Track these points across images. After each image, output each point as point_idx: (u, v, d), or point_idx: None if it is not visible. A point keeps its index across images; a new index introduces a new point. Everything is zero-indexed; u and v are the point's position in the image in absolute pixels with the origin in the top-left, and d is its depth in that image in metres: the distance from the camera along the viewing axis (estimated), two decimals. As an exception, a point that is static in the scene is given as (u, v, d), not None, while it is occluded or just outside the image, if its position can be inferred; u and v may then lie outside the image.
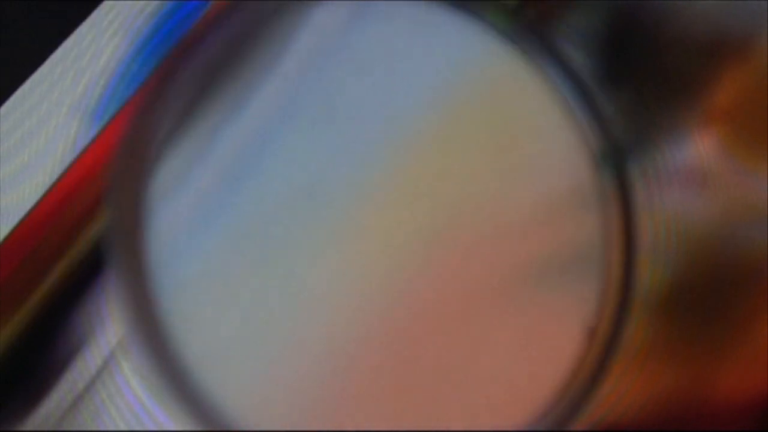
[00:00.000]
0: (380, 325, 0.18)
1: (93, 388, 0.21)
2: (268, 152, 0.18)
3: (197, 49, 0.18)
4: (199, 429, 0.18)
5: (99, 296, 0.21)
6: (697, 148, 0.21)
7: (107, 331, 0.20)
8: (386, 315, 0.18)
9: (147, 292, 0.18)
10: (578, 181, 0.19)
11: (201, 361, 0.18)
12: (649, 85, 0.21)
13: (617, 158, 0.19)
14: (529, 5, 0.21)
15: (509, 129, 0.19)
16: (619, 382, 0.21)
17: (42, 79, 0.22)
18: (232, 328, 0.18)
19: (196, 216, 0.18)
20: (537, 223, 0.19)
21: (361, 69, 0.19)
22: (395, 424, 0.18)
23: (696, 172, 0.21)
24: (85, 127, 0.21)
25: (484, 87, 0.19)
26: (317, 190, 0.18)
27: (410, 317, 0.18)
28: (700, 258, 0.21)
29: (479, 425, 0.18)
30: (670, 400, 0.21)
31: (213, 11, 0.18)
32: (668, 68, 0.21)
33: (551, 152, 0.19)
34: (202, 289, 0.18)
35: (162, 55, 0.18)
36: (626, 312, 0.18)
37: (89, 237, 0.21)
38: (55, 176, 0.21)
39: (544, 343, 0.18)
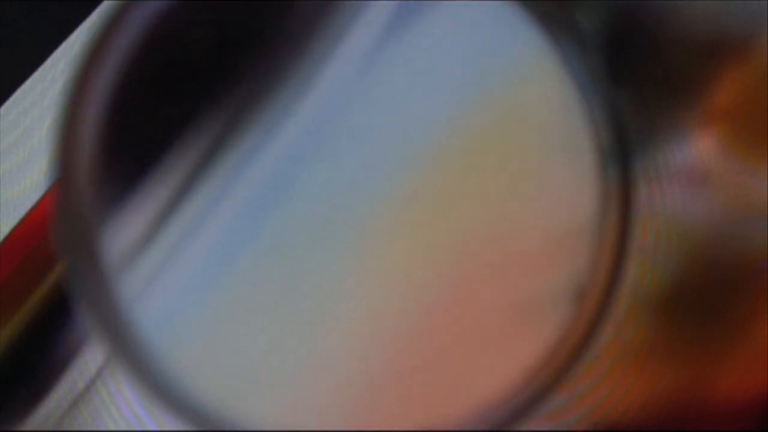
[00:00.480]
0: (395, 344, 0.18)
1: (93, 388, 0.21)
2: (292, 179, 0.19)
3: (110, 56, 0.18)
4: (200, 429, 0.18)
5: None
6: (698, 148, 0.21)
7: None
8: (402, 337, 0.18)
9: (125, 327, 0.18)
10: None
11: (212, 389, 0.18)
12: (649, 85, 0.21)
13: (625, 158, 0.19)
14: (529, 5, 0.21)
15: (532, 148, 0.19)
16: (620, 383, 0.21)
17: (42, 79, 0.22)
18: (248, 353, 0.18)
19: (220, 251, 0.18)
20: (551, 245, 0.19)
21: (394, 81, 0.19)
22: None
23: (696, 172, 0.21)
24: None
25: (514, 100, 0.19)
26: (338, 211, 0.18)
27: (425, 337, 0.18)
28: (700, 258, 0.21)
29: (465, 387, 0.18)
30: (670, 400, 0.21)
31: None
32: (668, 68, 0.21)
33: (570, 177, 0.19)
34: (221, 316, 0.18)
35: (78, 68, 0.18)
36: (619, 277, 0.18)
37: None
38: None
39: (533, 307, 0.18)
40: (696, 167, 0.21)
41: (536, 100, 0.19)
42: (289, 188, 0.19)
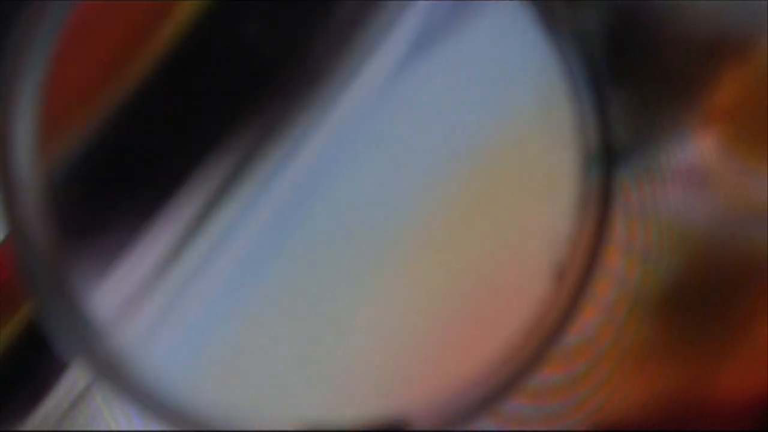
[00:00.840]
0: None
1: (93, 388, 0.21)
2: (317, 194, 0.19)
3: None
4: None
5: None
6: (698, 148, 0.21)
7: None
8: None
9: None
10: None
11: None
12: (649, 85, 0.21)
13: (608, 163, 0.19)
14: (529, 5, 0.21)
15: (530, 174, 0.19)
16: (620, 383, 0.21)
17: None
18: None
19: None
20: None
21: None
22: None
23: (696, 172, 0.21)
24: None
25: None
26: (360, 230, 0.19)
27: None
28: (700, 258, 0.21)
29: (445, 367, 0.18)
30: (670, 400, 0.21)
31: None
32: (668, 68, 0.21)
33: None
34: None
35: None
36: (597, 254, 0.18)
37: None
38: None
39: (511, 284, 0.19)
40: (696, 167, 0.21)
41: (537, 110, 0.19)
42: (307, 211, 0.19)
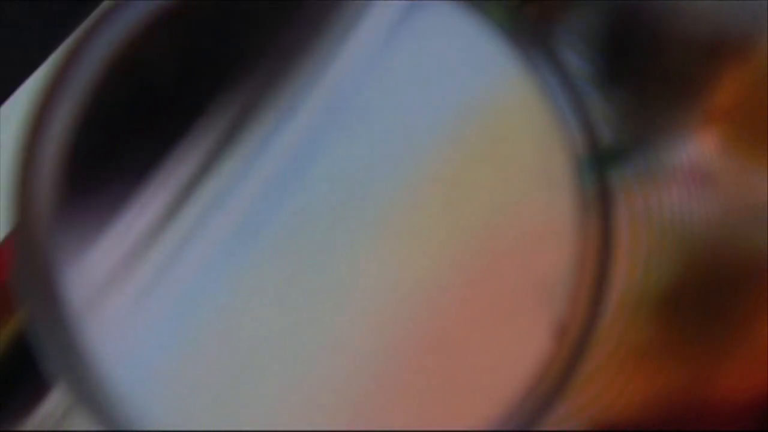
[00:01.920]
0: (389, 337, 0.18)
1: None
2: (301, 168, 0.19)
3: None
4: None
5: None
6: (697, 148, 0.21)
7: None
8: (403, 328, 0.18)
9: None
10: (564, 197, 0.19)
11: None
12: (649, 85, 0.21)
13: (603, 164, 0.19)
14: (530, 5, 0.21)
15: (510, 145, 0.19)
16: (620, 383, 0.21)
17: (42, 79, 0.22)
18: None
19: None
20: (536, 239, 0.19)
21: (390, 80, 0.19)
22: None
23: (696, 172, 0.21)
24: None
25: (491, 104, 0.19)
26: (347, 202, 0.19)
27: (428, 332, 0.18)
28: (700, 258, 0.21)
29: (445, 424, 0.18)
30: (670, 400, 0.21)
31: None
32: (668, 68, 0.21)
33: (546, 167, 0.19)
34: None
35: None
36: (599, 311, 0.18)
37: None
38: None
39: (513, 340, 0.18)
40: (696, 167, 0.21)
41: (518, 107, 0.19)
42: (296, 182, 0.19)
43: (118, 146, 0.18)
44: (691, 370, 0.21)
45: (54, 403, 0.20)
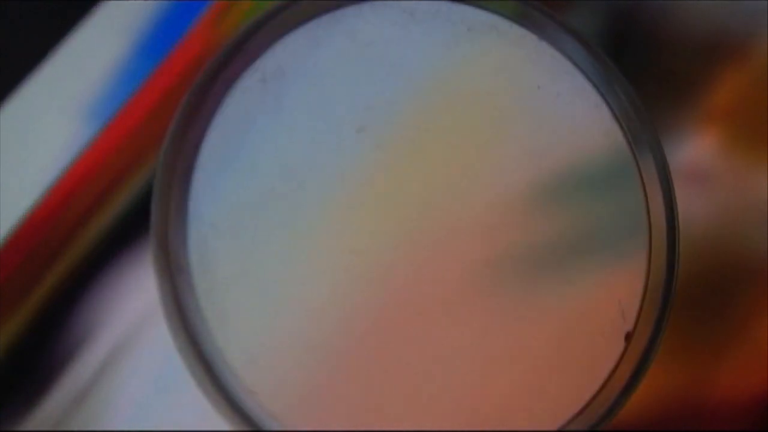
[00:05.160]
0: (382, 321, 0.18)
1: (93, 388, 0.21)
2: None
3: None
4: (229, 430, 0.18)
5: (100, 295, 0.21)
6: (698, 148, 0.21)
7: (107, 331, 0.20)
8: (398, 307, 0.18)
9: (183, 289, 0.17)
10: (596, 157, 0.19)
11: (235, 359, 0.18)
12: (649, 85, 0.21)
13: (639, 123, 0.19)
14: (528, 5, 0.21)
15: (509, 97, 0.19)
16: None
17: (42, 79, 0.22)
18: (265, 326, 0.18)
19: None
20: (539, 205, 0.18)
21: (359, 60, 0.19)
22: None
23: (696, 172, 0.21)
24: (84, 127, 0.21)
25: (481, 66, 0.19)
26: (304, 180, 0.18)
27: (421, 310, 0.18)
28: (700, 258, 0.21)
29: (510, 428, 0.18)
30: (670, 400, 0.21)
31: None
32: (668, 68, 0.21)
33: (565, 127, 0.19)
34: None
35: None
36: (666, 312, 0.18)
37: (89, 236, 0.21)
38: (54, 176, 0.21)
39: (577, 342, 0.18)
40: (696, 167, 0.21)
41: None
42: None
43: None
44: (691, 370, 0.21)
45: (54, 403, 0.20)
